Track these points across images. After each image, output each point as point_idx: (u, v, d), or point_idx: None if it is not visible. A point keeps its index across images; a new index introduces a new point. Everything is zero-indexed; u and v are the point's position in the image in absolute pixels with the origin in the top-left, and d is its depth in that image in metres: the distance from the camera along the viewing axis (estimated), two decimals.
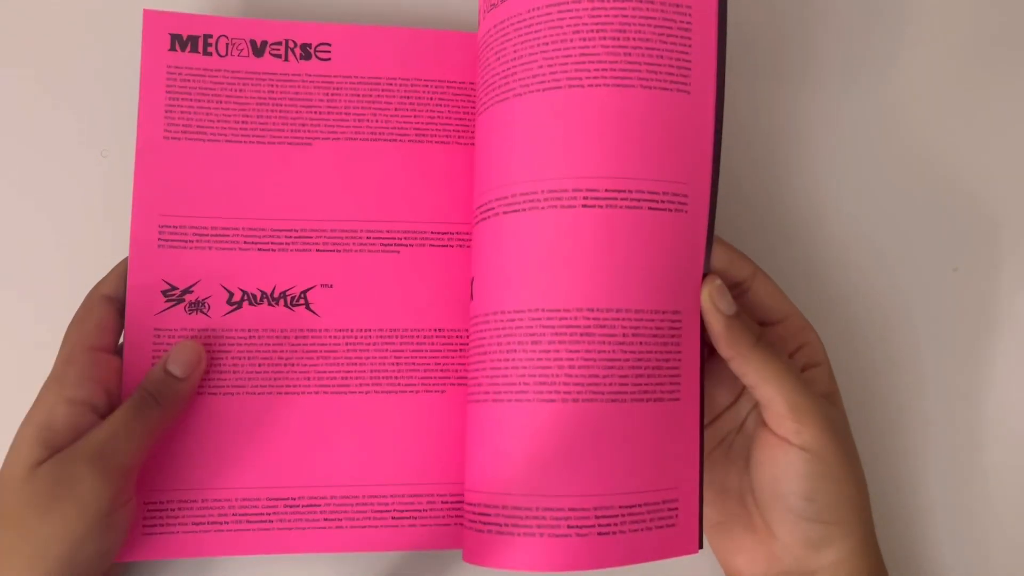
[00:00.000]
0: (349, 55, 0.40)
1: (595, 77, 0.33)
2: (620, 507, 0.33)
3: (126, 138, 0.38)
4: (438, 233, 0.39)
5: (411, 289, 0.39)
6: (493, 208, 0.35)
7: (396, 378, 0.38)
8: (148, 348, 0.37)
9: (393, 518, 0.37)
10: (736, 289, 0.36)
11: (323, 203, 0.39)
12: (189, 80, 0.39)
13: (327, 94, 0.40)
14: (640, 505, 0.33)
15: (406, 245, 0.39)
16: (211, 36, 0.39)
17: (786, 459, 0.34)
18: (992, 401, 0.43)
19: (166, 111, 0.38)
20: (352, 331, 0.38)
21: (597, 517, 0.32)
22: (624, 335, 0.33)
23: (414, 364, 0.38)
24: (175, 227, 0.38)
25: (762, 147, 0.44)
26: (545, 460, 0.33)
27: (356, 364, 0.38)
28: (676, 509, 0.34)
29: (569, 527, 0.32)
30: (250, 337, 0.38)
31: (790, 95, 0.44)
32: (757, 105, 0.44)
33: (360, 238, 0.39)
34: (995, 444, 0.43)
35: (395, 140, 0.40)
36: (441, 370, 0.38)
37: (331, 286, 0.38)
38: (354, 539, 0.37)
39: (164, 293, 0.37)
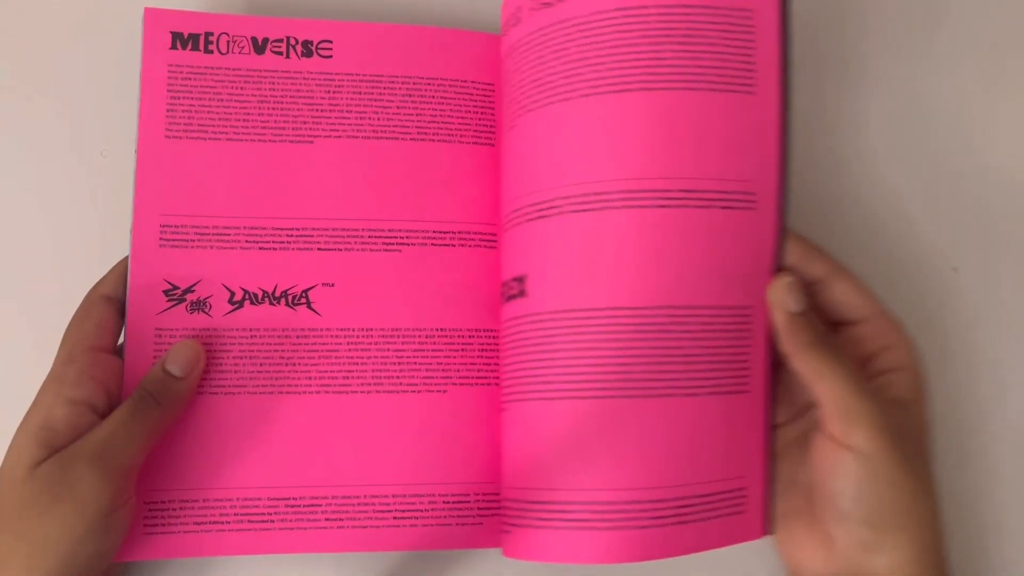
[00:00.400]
0: (351, 52, 0.40)
1: (666, 81, 0.34)
2: (692, 496, 0.34)
3: (126, 138, 0.38)
4: (440, 232, 0.39)
5: (413, 288, 0.39)
6: (557, 206, 0.35)
7: (398, 378, 0.38)
8: (150, 348, 0.37)
9: (395, 518, 0.37)
10: (812, 288, 0.36)
11: (324, 201, 0.39)
12: (190, 78, 0.39)
13: (328, 91, 0.39)
14: (711, 494, 0.34)
15: (408, 244, 0.39)
16: (212, 34, 0.39)
17: (835, 458, 0.33)
18: (992, 401, 0.43)
19: (167, 110, 0.38)
20: (353, 330, 0.38)
21: (672, 508, 0.34)
22: (700, 330, 0.34)
23: (416, 364, 0.38)
24: (176, 226, 0.38)
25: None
26: (610, 455, 0.33)
27: (357, 364, 0.38)
28: (744, 497, 0.35)
29: (647, 518, 0.33)
30: (251, 336, 0.38)
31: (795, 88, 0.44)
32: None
33: (362, 237, 0.39)
34: (996, 444, 0.42)
35: (397, 138, 0.39)
36: (443, 370, 0.38)
37: (332, 285, 0.38)
38: (355, 539, 0.37)
39: (165, 293, 0.37)
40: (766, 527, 0.35)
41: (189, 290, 0.37)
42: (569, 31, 0.35)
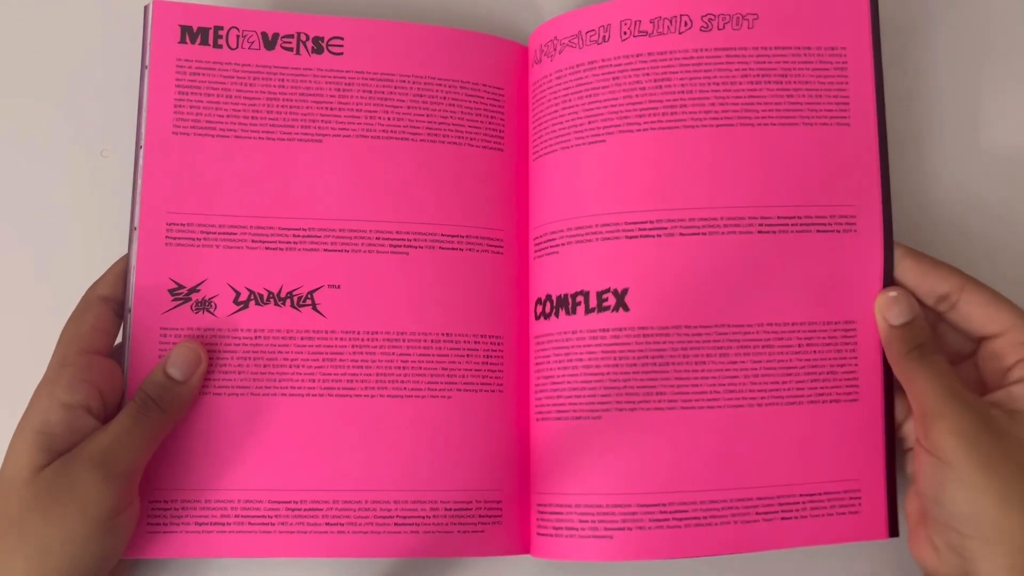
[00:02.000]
0: (362, 50, 0.39)
1: (763, 116, 0.38)
2: (800, 495, 0.37)
3: (126, 137, 0.38)
4: (448, 236, 0.39)
5: (419, 292, 0.38)
6: (664, 228, 0.37)
7: (402, 382, 0.38)
8: (155, 347, 0.37)
9: (396, 524, 0.37)
10: (943, 303, 0.37)
11: (332, 202, 0.38)
12: (199, 74, 0.38)
13: (339, 89, 0.39)
14: (818, 494, 0.37)
15: (415, 247, 0.38)
16: (221, 28, 0.39)
17: (920, 461, 0.34)
18: None
19: (175, 105, 0.38)
20: (359, 333, 0.38)
21: (778, 504, 0.37)
22: (799, 344, 0.37)
23: (420, 368, 0.38)
24: (183, 224, 0.37)
25: None
26: (724, 459, 0.37)
27: (362, 367, 0.38)
28: (859, 498, 0.37)
29: (757, 513, 0.36)
30: (256, 337, 0.37)
31: None
32: None
33: (369, 238, 0.38)
34: None
35: (407, 139, 0.39)
36: (448, 376, 0.38)
37: (338, 287, 0.38)
38: (356, 544, 0.37)
39: (171, 292, 0.37)
40: (890, 528, 0.37)
41: (194, 289, 0.37)
42: (671, 63, 0.38)
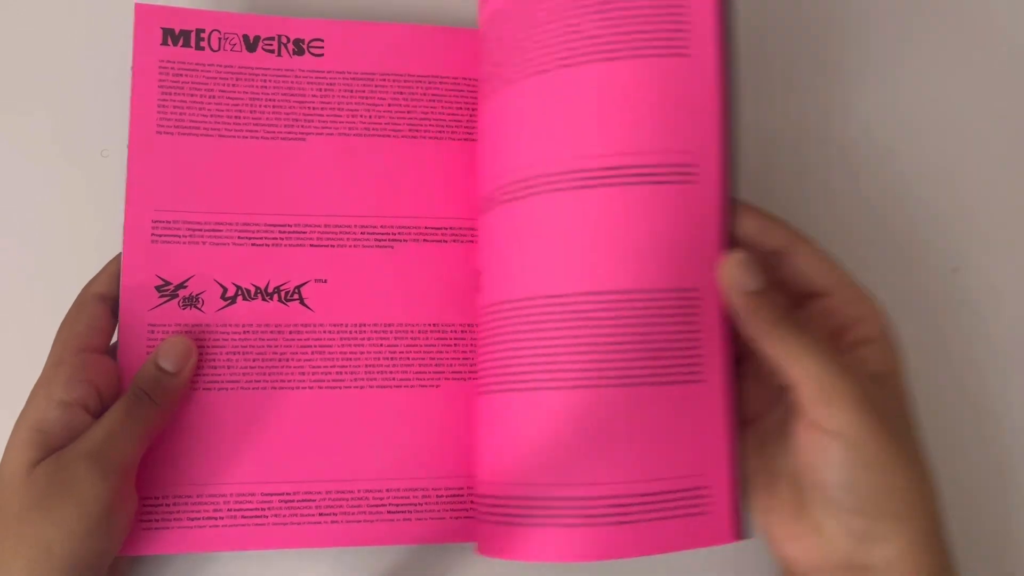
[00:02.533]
0: (342, 51, 0.40)
1: (582, 54, 0.32)
2: (639, 495, 0.31)
3: (126, 138, 0.38)
4: (432, 228, 0.39)
5: (405, 284, 0.39)
6: (494, 198, 0.36)
7: (391, 373, 0.38)
8: (143, 343, 0.37)
9: (388, 512, 0.37)
10: (772, 259, 0.33)
11: (317, 198, 0.39)
12: (181, 75, 0.39)
13: (320, 89, 0.40)
14: (661, 493, 0.31)
15: (400, 240, 0.39)
16: (203, 31, 0.39)
17: (819, 446, 0.31)
18: (992, 401, 0.43)
19: (158, 106, 0.38)
20: (346, 326, 0.38)
21: (613, 506, 0.31)
22: (632, 316, 0.31)
23: (408, 359, 0.38)
24: (168, 222, 0.38)
25: (767, 142, 0.44)
26: (556, 449, 0.32)
27: (351, 359, 0.38)
28: (705, 497, 0.32)
29: (585, 516, 0.31)
30: (244, 332, 0.38)
31: (797, 90, 0.44)
32: (766, 98, 0.44)
33: (354, 233, 0.39)
34: (996, 444, 0.43)
35: (389, 136, 0.40)
36: (436, 365, 0.39)
37: (325, 281, 0.38)
38: (350, 533, 0.37)
39: (158, 288, 0.37)
40: (739, 531, 0.33)
41: (181, 286, 0.37)
42: (501, 19, 0.35)
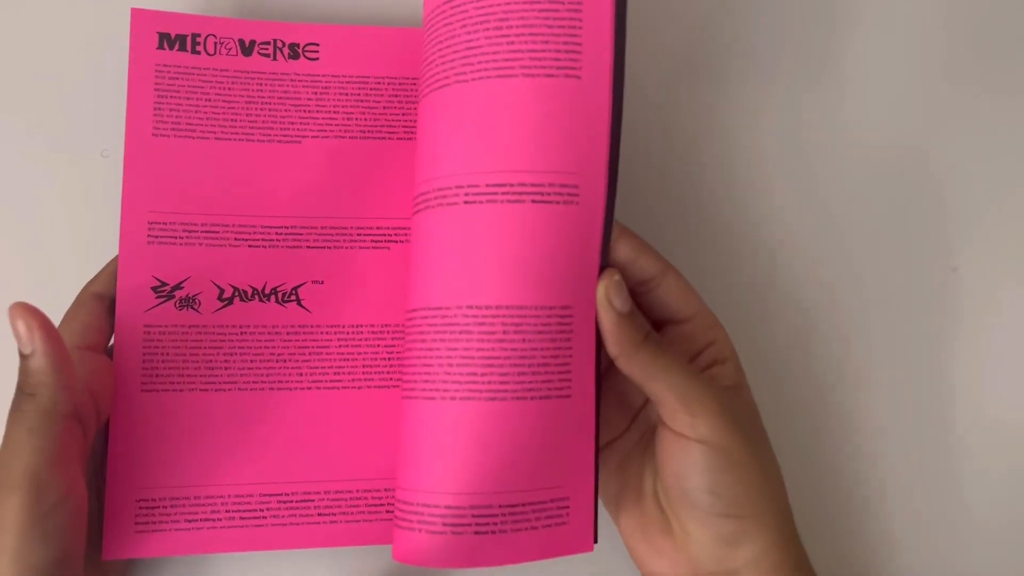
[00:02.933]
0: (337, 55, 0.41)
1: (478, 70, 0.33)
2: (500, 506, 0.32)
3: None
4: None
5: (401, 285, 0.39)
6: (414, 207, 0.36)
7: (388, 373, 0.38)
8: (138, 345, 0.36)
9: (387, 511, 0.37)
10: (643, 286, 0.35)
11: (313, 200, 0.39)
12: (177, 78, 0.39)
13: (316, 93, 0.40)
14: (524, 504, 0.32)
15: (396, 241, 0.39)
16: (199, 35, 0.39)
17: (685, 454, 0.33)
18: (993, 401, 0.43)
19: (155, 108, 0.38)
20: (343, 327, 0.38)
21: (474, 516, 0.32)
22: (504, 331, 0.32)
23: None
24: (165, 224, 0.38)
25: (760, 148, 0.44)
26: (429, 456, 0.33)
27: (348, 360, 0.38)
28: (567, 508, 0.33)
29: (444, 524, 0.32)
30: (241, 333, 0.38)
31: (786, 92, 0.45)
32: (751, 106, 0.45)
33: (350, 235, 0.39)
34: (996, 444, 0.43)
35: (384, 138, 0.40)
36: None
37: (322, 282, 0.39)
38: (348, 533, 0.37)
39: (154, 289, 0.37)
40: (594, 539, 0.34)
41: (178, 287, 0.37)
42: (427, 30, 0.35)
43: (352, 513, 0.37)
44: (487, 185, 0.32)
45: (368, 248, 0.39)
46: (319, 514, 0.37)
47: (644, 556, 0.35)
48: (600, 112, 0.33)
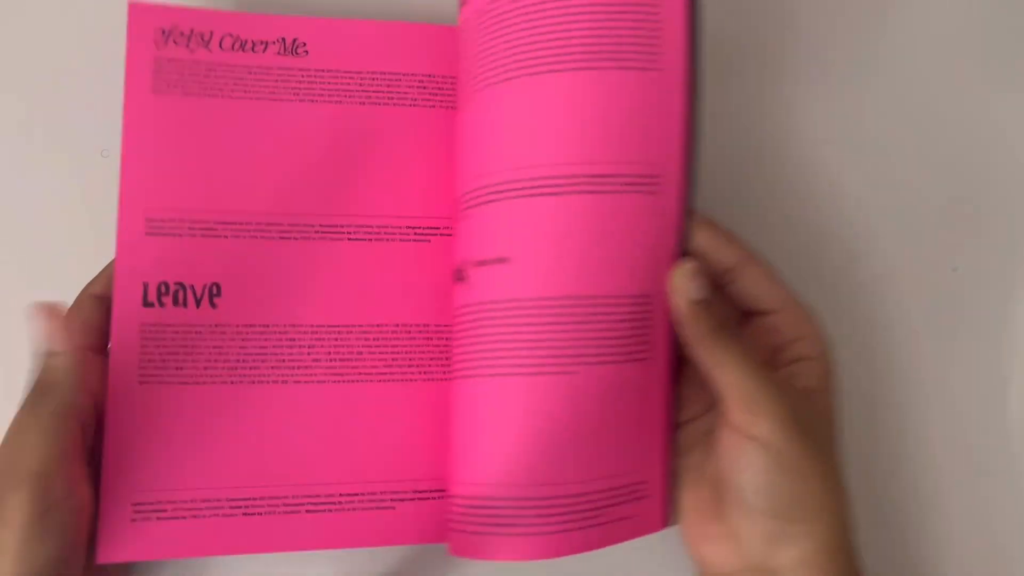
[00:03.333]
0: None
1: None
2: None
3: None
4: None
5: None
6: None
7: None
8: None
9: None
10: (725, 276, 0.35)
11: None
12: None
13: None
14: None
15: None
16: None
17: (739, 450, 0.33)
18: (992, 401, 0.43)
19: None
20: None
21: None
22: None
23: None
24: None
25: (757, 142, 0.44)
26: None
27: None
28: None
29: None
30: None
31: (789, 89, 0.44)
32: (756, 100, 0.44)
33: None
34: (996, 444, 0.43)
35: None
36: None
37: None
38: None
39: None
40: (667, 519, 0.35)
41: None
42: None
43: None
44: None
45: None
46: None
47: (695, 538, 0.35)
48: (677, 104, 0.34)
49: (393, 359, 0.38)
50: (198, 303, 0.37)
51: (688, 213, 0.34)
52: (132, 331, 0.36)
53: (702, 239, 0.35)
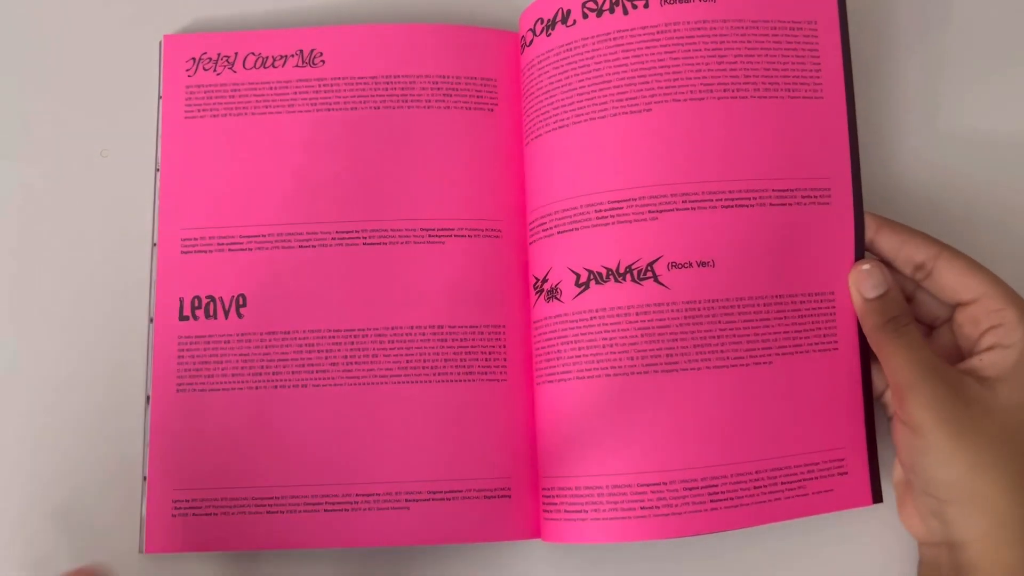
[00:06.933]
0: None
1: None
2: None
3: (126, 137, 0.41)
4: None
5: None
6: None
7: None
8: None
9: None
10: (918, 272, 0.37)
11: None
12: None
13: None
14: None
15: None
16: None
17: (899, 433, 0.36)
18: None
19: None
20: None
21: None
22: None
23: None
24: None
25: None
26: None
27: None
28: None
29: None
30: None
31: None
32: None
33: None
34: None
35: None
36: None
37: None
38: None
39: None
40: (875, 495, 0.38)
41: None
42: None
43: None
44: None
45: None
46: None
47: (901, 513, 0.38)
48: (840, 125, 0.39)
49: (407, 361, 0.39)
50: (226, 314, 0.40)
51: (860, 218, 0.38)
52: (171, 345, 0.39)
53: (886, 243, 0.38)
